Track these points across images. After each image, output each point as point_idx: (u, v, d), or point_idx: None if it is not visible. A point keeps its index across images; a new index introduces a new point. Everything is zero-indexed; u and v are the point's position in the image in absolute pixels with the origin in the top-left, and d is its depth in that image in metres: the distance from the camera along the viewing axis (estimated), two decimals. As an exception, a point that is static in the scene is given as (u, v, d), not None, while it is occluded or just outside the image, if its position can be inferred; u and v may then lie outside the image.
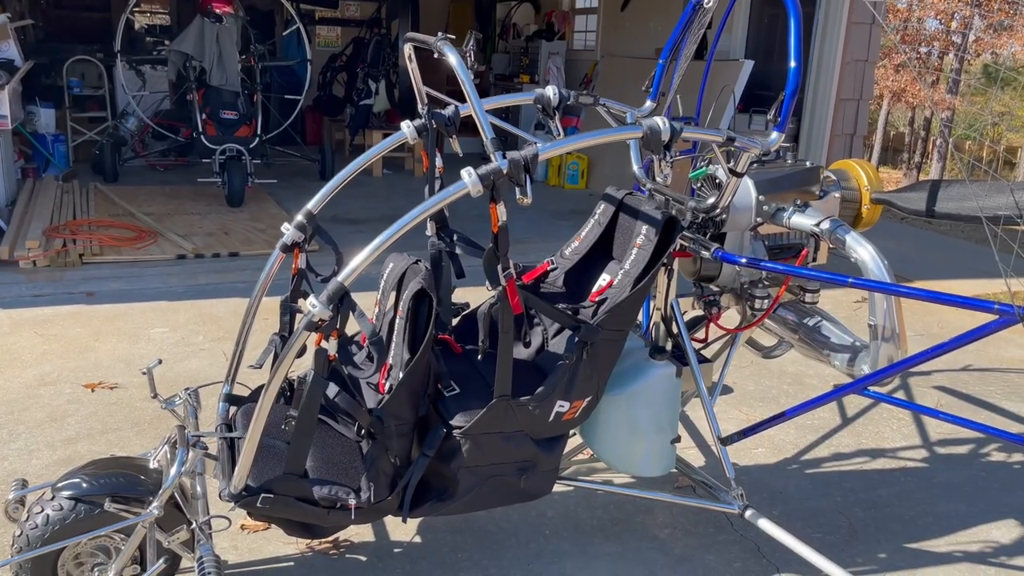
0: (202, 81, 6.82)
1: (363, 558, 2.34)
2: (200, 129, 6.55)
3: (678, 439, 2.30)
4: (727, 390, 3.61)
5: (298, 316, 2.21)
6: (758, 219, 2.21)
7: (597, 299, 2.15)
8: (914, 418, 3.45)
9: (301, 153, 8.14)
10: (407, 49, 2.09)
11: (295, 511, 1.89)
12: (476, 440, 1.98)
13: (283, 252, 2.21)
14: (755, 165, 2.31)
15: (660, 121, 1.81)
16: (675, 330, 2.32)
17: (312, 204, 2.23)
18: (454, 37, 1.82)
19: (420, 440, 2.02)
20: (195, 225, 5.71)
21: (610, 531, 2.53)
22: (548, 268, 2.35)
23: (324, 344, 1.75)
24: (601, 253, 2.33)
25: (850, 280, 1.87)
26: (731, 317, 2.44)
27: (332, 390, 1.82)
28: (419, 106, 2.25)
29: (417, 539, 2.44)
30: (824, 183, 2.36)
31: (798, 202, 2.25)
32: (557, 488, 2.65)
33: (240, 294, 4.29)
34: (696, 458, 3.02)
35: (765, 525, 2.21)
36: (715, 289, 2.37)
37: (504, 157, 1.70)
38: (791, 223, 2.20)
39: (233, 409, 2.24)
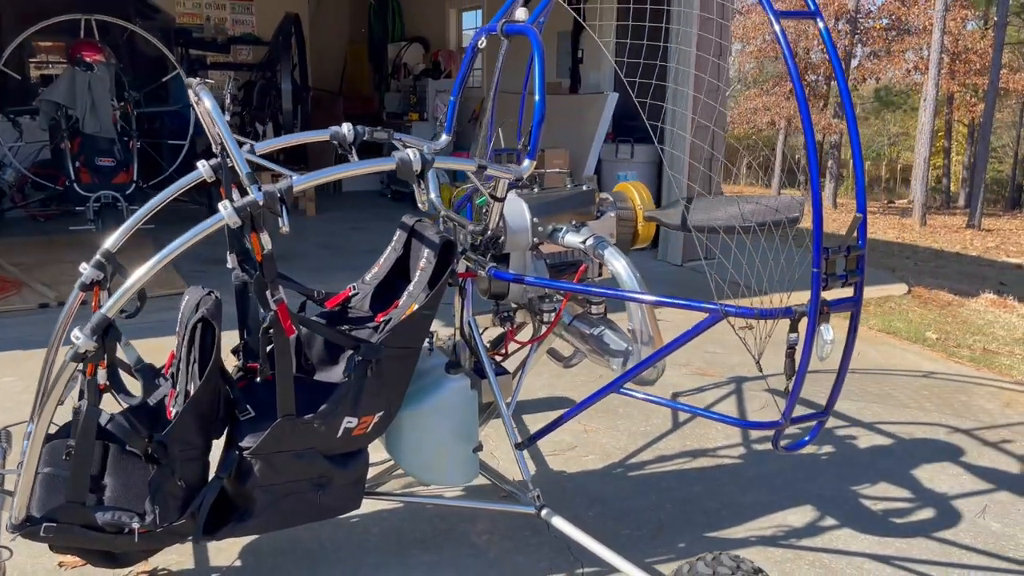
0: (76, 129, 6.79)
1: (180, 584, 2.41)
2: (73, 177, 6.52)
3: (480, 448, 2.45)
4: (570, 402, 3.79)
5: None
6: (534, 239, 2.40)
7: (382, 319, 2.29)
8: (747, 419, 3.70)
9: (188, 197, 8.12)
10: (191, 94, 2.22)
11: (80, 539, 1.96)
12: (267, 459, 2.09)
13: (83, 291, 2.29)
14: (536, 189, 2.52)
15: (411, 153, 1.98)
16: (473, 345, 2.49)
17: (110, 243, 2.32)
18: (212, 82, 1.97)
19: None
20: (66, 273, 5.65)
21: (431, 542, 2.66)
22: (350, 294, 2.49)
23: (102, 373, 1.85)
24: (401, 277, 2.49)
25: (592, 289, 2.07)
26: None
27: (104, 418, 1.91)
28: (213, 147, 2.38)
29: (238, 562, 2.52)
30: (603, 204, 2.58)
31: (573, 222, 2.45)
32: (385, 504, 2.78)
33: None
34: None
35: (559, 523, 2.37)
36: (511, 305, 2.55)
37: (259, 190, 1.85)
38: (565, 241, 2.40)
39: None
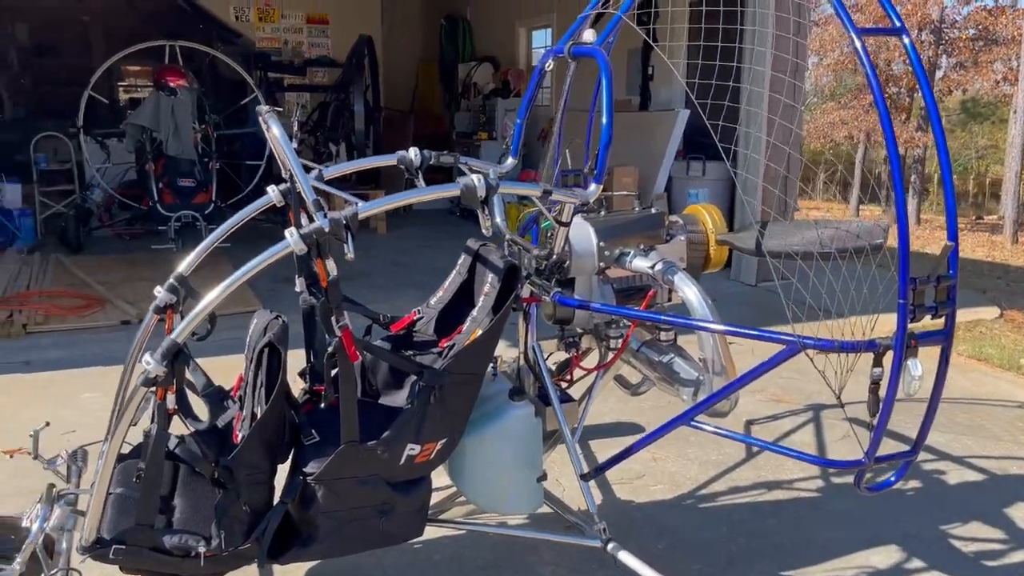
0: (160, 151, 7.04)
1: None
2: (156, 198, 6.75)
3: (544, 477, 2.39)
4: (639, 429, 3.70)
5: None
6: (600, 264, 2.34)
7: (446, 345, 2.27)
8: (826, 451, 3.54)
9: (264, 215, 8.34)
10: (262, 120, 2.23)
11: (148, 561, 1.98)
12: (330, 485, 2.07)
13: (156, 313, 2.33)
14: (603, 213, 2.46)
15: (476, 179, 1.95)
16: (537, 371, 2.44)
17: (183, 267, 2.36)
18: (280, 110, 1.98)
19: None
20: (147, 291, 5.80)
21: (493, 570, 2.61)
22: (415, 318, 2.48)
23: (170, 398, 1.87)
24: (466, 301, 2.46)
25: (663, 317, 2.00)
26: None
27: (174, 441, 1.93)
28: (282, 172, 2.40)
29: (301, 587, 2.52)
30: (672, 228, 2.50)
31: (641, 246, 2.39)
32: (447, 531, 2.74)
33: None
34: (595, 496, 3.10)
35: (626, 558, 2.29)
36: (576, 331, 2.49)
37: (326, 216, 1.84)
38: (632, 266, 2.33)
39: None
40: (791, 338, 1.79)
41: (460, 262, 2.45)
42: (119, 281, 6.17)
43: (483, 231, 2.05)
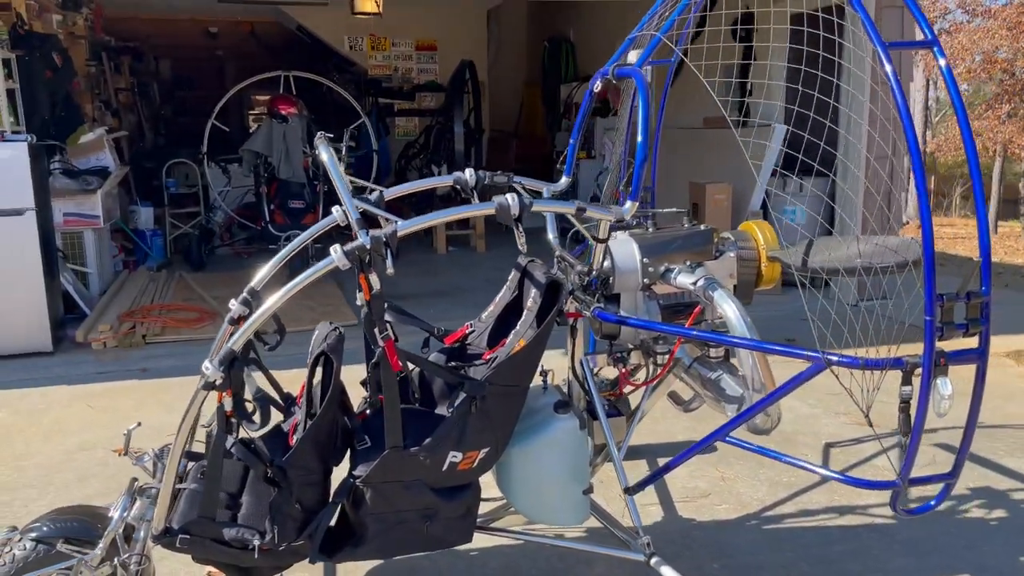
0: (272, 175, 7.50)
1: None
2: (268, 218, 7.19)
3: (590, 489, 2.44)
4: (711, 449, 3.65)
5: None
6: (644, 280, 2.37)
7: (489, 357, 2.35)
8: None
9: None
10: (320, 147, 2.39)
11: (211, 551, 2.15)
12: (377, 488, 2.20)
13: (231, 324, 2.53)
14: (650, 229, 2.49)
15: (510, 198, 2.04)
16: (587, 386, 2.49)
17: (256, 281, 2.55)
18: (332, 136, 2.13)
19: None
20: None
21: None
22: (467, 331, 2.58)
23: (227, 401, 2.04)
24: (515, 316, 2.54)
25: (694, 332, 2.01)
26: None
27: (229, 442, 2.10)
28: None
29: (360, 586, 2.65)
30: (722, 244, 2.50)
31: (688, 263, 2.40)
32: (503, 540, 2.81)
33: (275, 366, 4.69)
34: (656, 513, 3.11)
35: (667, 572, 2.29)
36: (625, 346, 2.53)
37: (367, 234, 1.98)
38: (677, 282, 2.35)
39: (191, 464, 2.55)
40: (816, 355, 1.78)
41: (511, 278, 2.54)
42: (231, 296, 6.59)
43: (519, 247, 2.13)
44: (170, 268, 8.10)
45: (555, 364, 2.54)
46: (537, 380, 2.52)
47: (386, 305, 2.63)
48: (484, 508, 2.65)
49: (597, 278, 2.37)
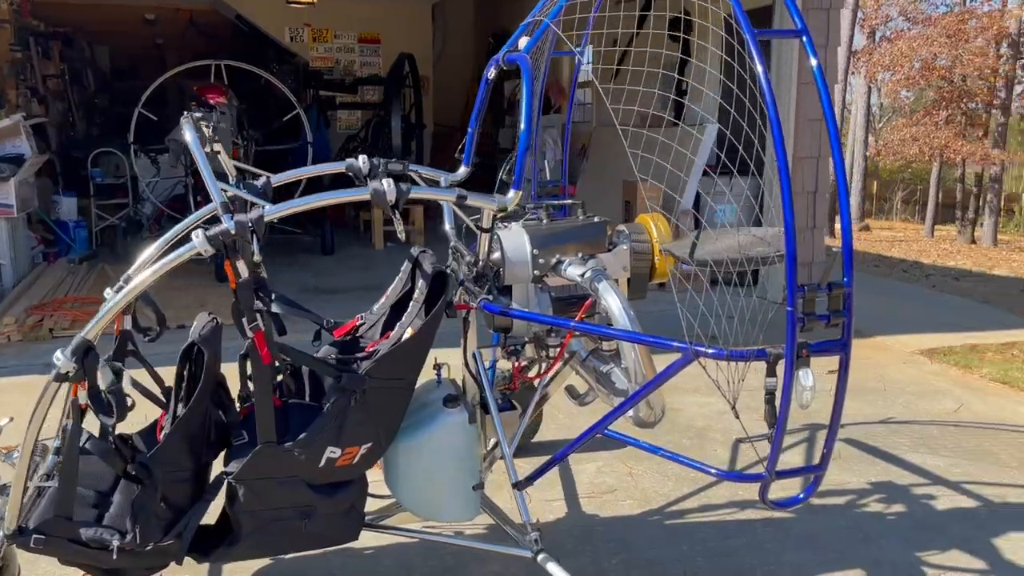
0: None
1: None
2: (194, 210, 6.99)
3: (480, 485, 2.39)
4: (620, 445, 3.63)
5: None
6: (536, 272, 2.33)
7: (371, 350, 2.29)
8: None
9: (303, 229, 8.57)
10: (184, 127, 2.27)
11: (68, 552, 2.04)
12: (251, 486, 2.11)
13: (107, 315, 2.42)
14: (544, 221, 2.45)
15: (386, 183, 1.98)
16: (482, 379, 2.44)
17: (133, 270, 2.44)
18: (199, 116, 2.05)
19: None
20: (175, 299, 6.05)
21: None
22: (357, 323, 2.51)
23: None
24: (405, 307, 2.48)
25: (571, 324, 1.98)
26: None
27: (84, 437, 2.00)
28: (231, 179, 2.47)
29: (245, 586, 2.56)
30: (616, 236, 2.47)
31: (580, 255, 2.36)
32: (400, 538, 2.74)
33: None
34: (560, 508, 3.07)
35: (554, 570, 2.25)
36: (522, 340, 2.48)
37: (232, 219, 1.89)
38: (567, 274, 2.31)
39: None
40: (684, 346, 1.75)
41: (403, 269, 2.48)
42: (153, 290, 6.40)
43: (399, 236, 2.07)
44: (94, 260, 7.86)
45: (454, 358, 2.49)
46: (432, 374, 2.47)
47: (273, 296, 2.56)
48: (375, 505, 2.58)
49: (487, 269, 2.32)
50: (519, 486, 2.35)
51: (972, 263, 14.65)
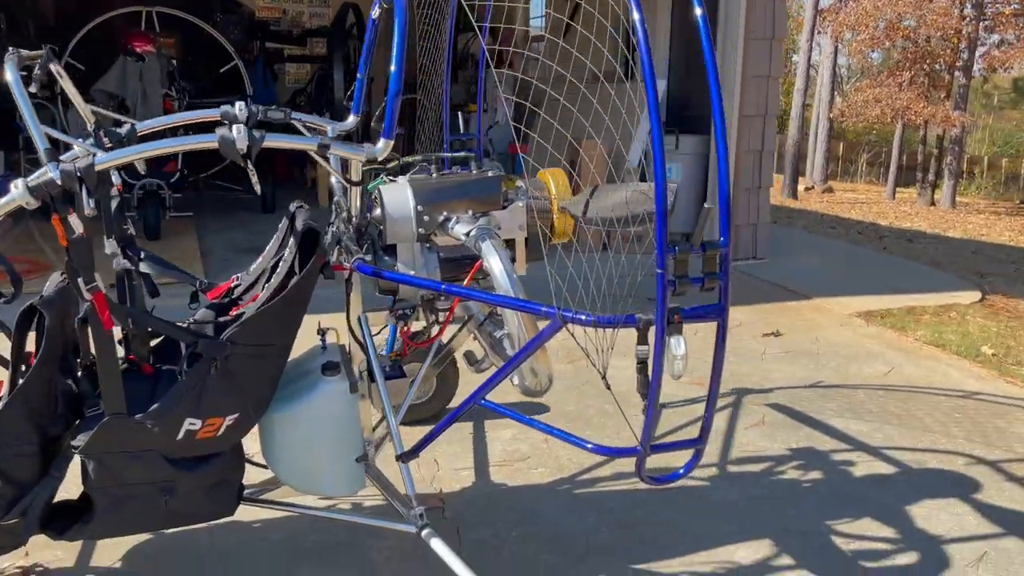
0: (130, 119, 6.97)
1: (49, 584, 2.31)
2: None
3: (364, 457, 2.24)
4: (543, 408, 3.52)
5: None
6: (420, 230, 2.16)
7: (236, 313, 2.12)
8: (733, 438, 3.33)
9: (243, 187, 8.28)
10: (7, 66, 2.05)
11: None
12: (101, 460, 1.95)
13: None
14: (434, 176, 2.28)
15: (235, 129, 1.79)
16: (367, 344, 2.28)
17: (-17, 227, 2.24)
18: (25, 53, 1.83)
19: None
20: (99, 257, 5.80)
21: (327, 553, 2.47)
22: (232, 285, 2.33)
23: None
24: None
25: (442, 287, 1.82)
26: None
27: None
28: (88, 125, 2.26)
29: (119, 563, 2.40)
30: (512, 193, 2.31)
31: (471, 212, 2.20)
32: (290, 512, 2.60)
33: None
34: (468, 477, 2.95)
35: (437, 546, 2.12)
36: (412, 303, 2.32)
37: (57, 167, 1.70)
38: (453, 232, 2.15)
39: None
40: (551, 310, 1.60)
41: (281, 225, 2.30)
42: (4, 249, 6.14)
43: (255, 189, 1.89)
44: (22, 217, 7.52)
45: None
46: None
47: (142, 255, 2.38)
48: (258, 477, 2.44)
49: (368, 227, 2.15)
50: (403, 458, 2.20)
51: (928, 225, 14.73)
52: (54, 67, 2.23)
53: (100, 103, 7.11)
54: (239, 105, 2.34)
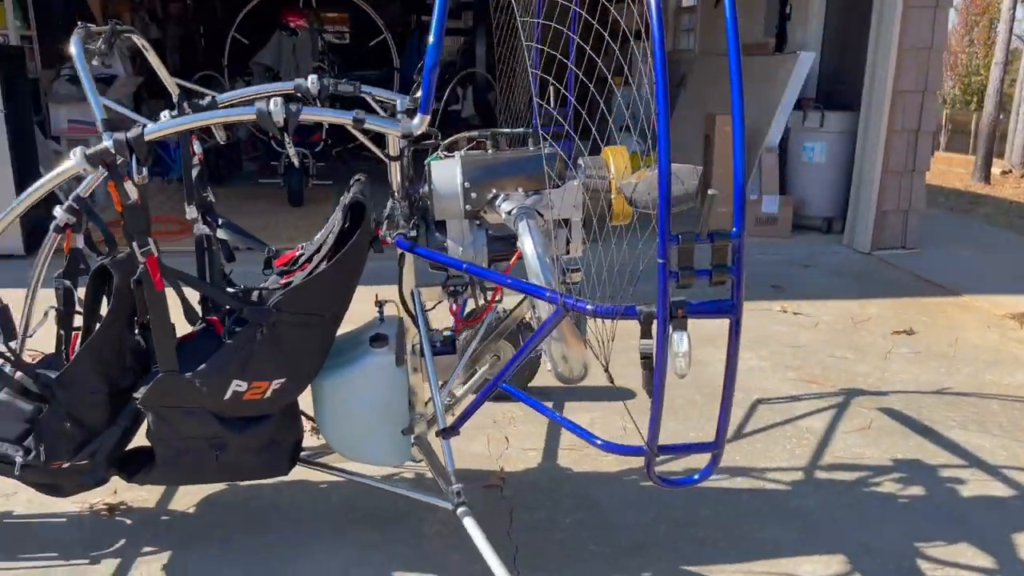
0: (282, 90, 7.38)
1: (128, 522, 2.51)
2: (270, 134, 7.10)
3: (410, 430, 2.26)
4: (628, 394, 3.41)
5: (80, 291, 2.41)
6: (467, 206, 2.13)
7: (285, 283, 2.18)
8: (829, 441, 3.10)
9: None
10: (73, 40, 2.15)
11: (-22, 461, 2.08)
12: (158, 413, 2.08)
13: (56, 232, 2.42)
14: (490, 151, 2.23)
15: (273, 103, 1.83)
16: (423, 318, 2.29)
17: (81, 188, 2.42)
18: (93, 28, 1.95)
19: None
20: (243, 222, 6.19)
21: (379, 520, 2.52)
22: (296, 254, 2.40)
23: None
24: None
25: (464, 266, 1.78)
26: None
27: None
28: (173, 97, 2.39)
29: (192, 509, 2.57)
30: (576, 171, 2.22)
31: (520, 190, 2.14)
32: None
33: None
34: (534, 459, 2.91)
35: (469, 526, 2.12)
36: (460, 279, 2.30)
37: (111, 137, 1.80)
38: (500, 210, 2.10)
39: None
40: (554, 296, 1.52)
41: (342, 197, 2.34)
42: (227, 212, 6.59)
43: (292, 160, 1.92)
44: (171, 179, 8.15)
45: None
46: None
47: (220, 221, 2.50)
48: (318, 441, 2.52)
49: (414, 202, 2.14)
50: (444, 434, 2.20)
51: None
52: (138, 40, 2.38)
53: (257, 75, 7.57)
54: (311, 79, 2.42)
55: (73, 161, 1.81)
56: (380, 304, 2.38)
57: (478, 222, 2.20)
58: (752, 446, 3.04)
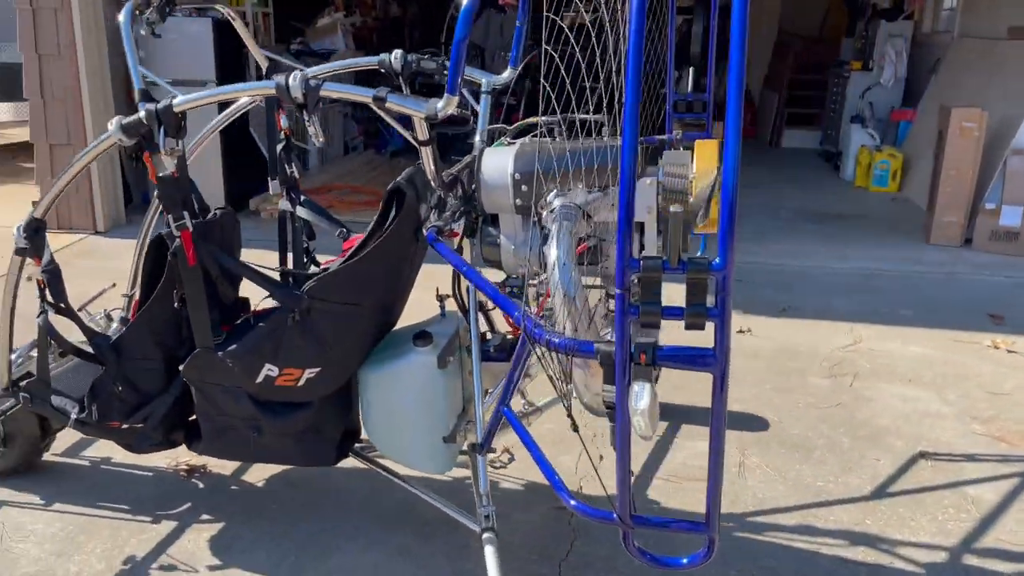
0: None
1: (201, 486, 2.57)
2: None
3: (451, 439, 2.09)
4: (748, 427, 2.98)
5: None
6: (517, 200, 1.89)
7: (323, 267, 2.06)
8: (984, 512, 2.49)
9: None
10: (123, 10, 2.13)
11: (49, 412, 2.20)
12: (200, 388, 2.08)
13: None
14: (557, 139, 1.97)
15: (292, 77, 1.70)
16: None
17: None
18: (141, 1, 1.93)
19: None
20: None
21: (426, 521, 2.37)
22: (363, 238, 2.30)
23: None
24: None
25: (464, 268, 1.55)
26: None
27: (42, 320, 2.07)
28: (262, 68, 2.37)
29: (260, 484, 2.58)
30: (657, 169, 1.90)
31: (581, 186, 1.86)
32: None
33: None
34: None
35: (488, 553, 1.91)
36: (521, 279, 2.07)
37: (145, 107, 1.78)
38: (549, 207, 1.83)
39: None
40: (517, 318, 1.26)
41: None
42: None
43: (315, 141, 1.79)
44: (401, 156, 8.49)
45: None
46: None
47: (302, 199, 2.46)
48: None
49: (458, 193, 1.94)
50: (479, 449, 1.99)
51: None
52: (226, 11, 2.37)
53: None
54: (396, 53, 2.29)
55: (111, 131, 1.81)
56: (441, 299, 2.22)
57: (535, 219, 1.95)
58: (893, 509, 2.51)
